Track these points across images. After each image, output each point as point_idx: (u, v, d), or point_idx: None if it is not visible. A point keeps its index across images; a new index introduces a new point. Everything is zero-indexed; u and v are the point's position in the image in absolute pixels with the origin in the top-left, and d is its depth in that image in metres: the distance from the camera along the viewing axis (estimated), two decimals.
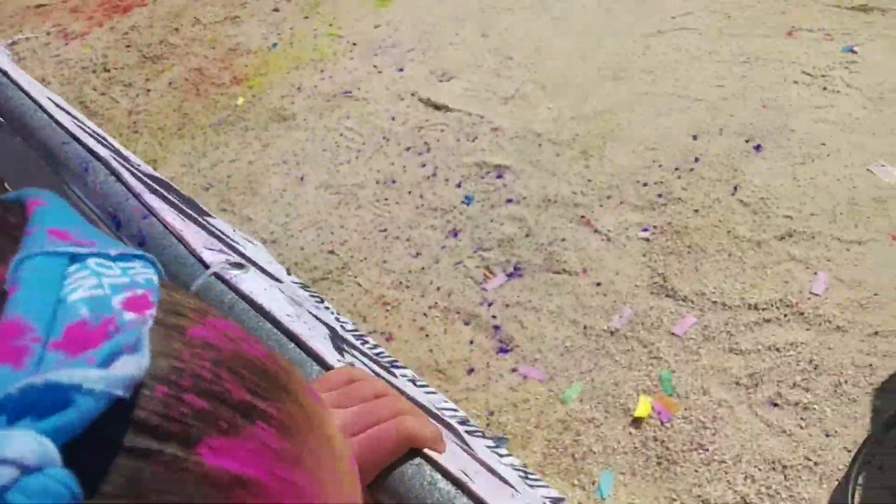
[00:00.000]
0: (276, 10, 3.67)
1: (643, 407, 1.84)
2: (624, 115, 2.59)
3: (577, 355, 1.98)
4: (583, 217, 2.31)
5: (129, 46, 3.68)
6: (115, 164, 0.83)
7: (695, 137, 2.44)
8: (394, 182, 2.60)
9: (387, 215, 2.50)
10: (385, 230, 2.45)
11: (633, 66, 2.78)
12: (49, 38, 3.88)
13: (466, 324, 2.13)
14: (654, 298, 2.05)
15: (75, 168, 0.83)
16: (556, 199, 2.38)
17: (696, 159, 2.36)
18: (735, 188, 2.25)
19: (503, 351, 2.04)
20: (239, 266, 0.68)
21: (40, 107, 0.94)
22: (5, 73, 1.01)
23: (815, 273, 1.98)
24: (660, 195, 2.29)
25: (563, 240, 2.26)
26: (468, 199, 2.46)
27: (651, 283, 2.09)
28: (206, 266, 0.66)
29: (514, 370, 1.99)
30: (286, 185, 2.71)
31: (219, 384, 0.28)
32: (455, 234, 2.37)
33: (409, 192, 2.55)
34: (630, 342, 1.97)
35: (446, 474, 0.51)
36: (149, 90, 3.36)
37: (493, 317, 2.12)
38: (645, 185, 2.34)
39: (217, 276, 0.66)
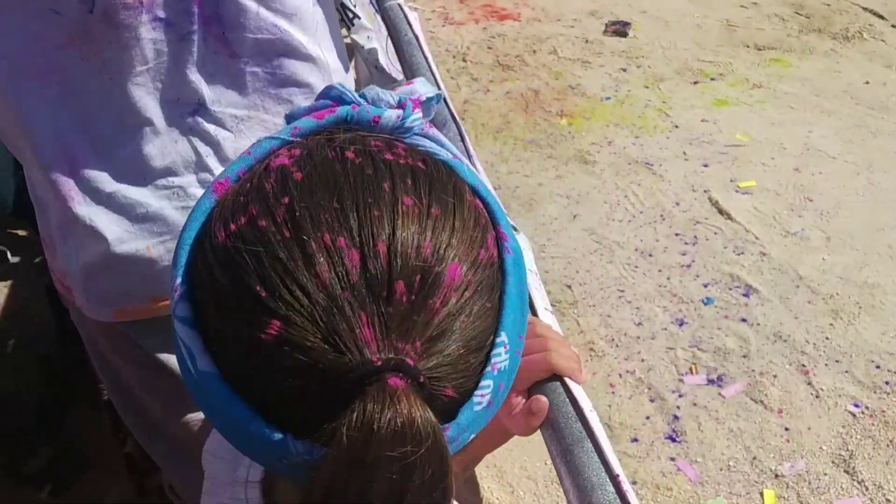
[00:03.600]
0: (623, 70, 3.97)
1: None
2: (892, 297, 2.59)
3: (735, 477, 2.07)
4: (804, 366, 2.37)
5: (490, 48, 4.15)
6: (462, 128, 1.13)
7: None
8: (651, 255, 2.79)
9: (630, 280, 2.69)
10: (622, 291, 2.65)
11: None
12: (432, 15, 4.46)
13: (652, 401, 2.28)
14: (832, 467, 2.09)
15: (437, 120, 1.14)
16: (787, 339, 2.46)
17: None
18: None
19: (672, 439, 2.17)
20: (515, 229, 0.93)
21: (430, 67, 1.27)
22: (417, 38, 1.35)
23: None
24: (887, 383, 2.30)
25: (775, 376, 2.34)
26: (708, 301, 2.60)
27: (837, 453, 2.12)
28: None
29: (672, 459, 2.12)
30: (559, 215, 2.98)
31: None
32: (681, 323, 2.52)
33: (660, 271, 2.72)
34: (790, 493, 2.03)
35: (572, 399, 0.72)
36: (488, 90, 3.79)
37: (678, 407, 2.25)
38: (878, 367, 2.35)
39: None
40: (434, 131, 0.55)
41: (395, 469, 0.40)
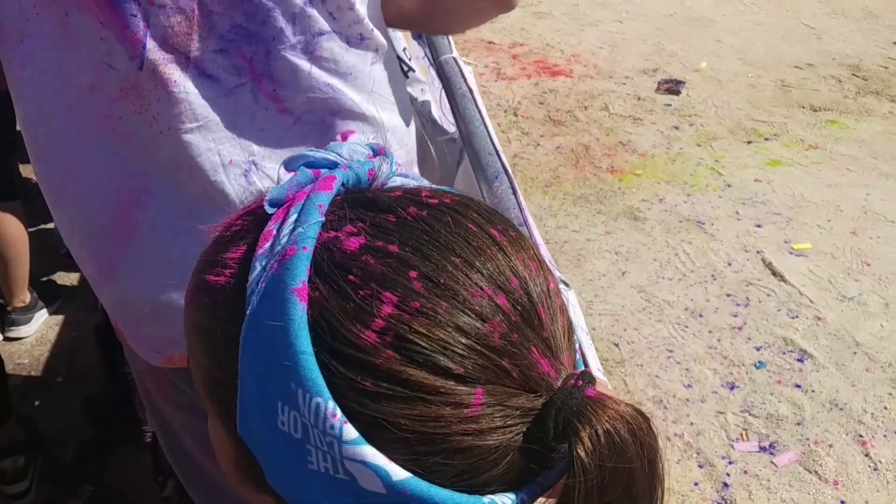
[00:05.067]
0: (675, 127, 3.95)
1: None
2: None
3: None
4: (861, 437, 2.28)
5: (541, 103, 4.17)
6: (514, 181, 1.12)
7: None
8: (701, 316, 2.73)
9: (680, 340, 2.63)
10: (671, 351, 2.59)
11: None
12: (485, 70, 4.50)
13: (700, 466, 2.20)
14: None
15: (489, 174, 1.13)
16: (844, 408, 2.37)
17: None
18: None
19: None
20: (566, 284, 0.91)
21: (483, 121, 1.27)
22: (471, 91, 1.35)
23: None
24: None
25: (831, 446, 2.25)
26: (760, 365, 2.53)
27: None
28: None
29: None
30: (608, 271, 2.95)
31: None
32: (732, 387, 2.45)
33: (710, 332, 2.66)
34: None
35: None
36: (539, 144, 3.79)
37: (728, 475, 2.18)
38: None
39: None
40: (402, 168, 0.55)
41: (645, 458, 0.44)
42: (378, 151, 0.52)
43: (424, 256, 0.44)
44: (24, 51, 0.92)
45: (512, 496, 0.45)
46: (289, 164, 0.50)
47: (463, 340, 0.42)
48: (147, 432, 1.68)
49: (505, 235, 0.48)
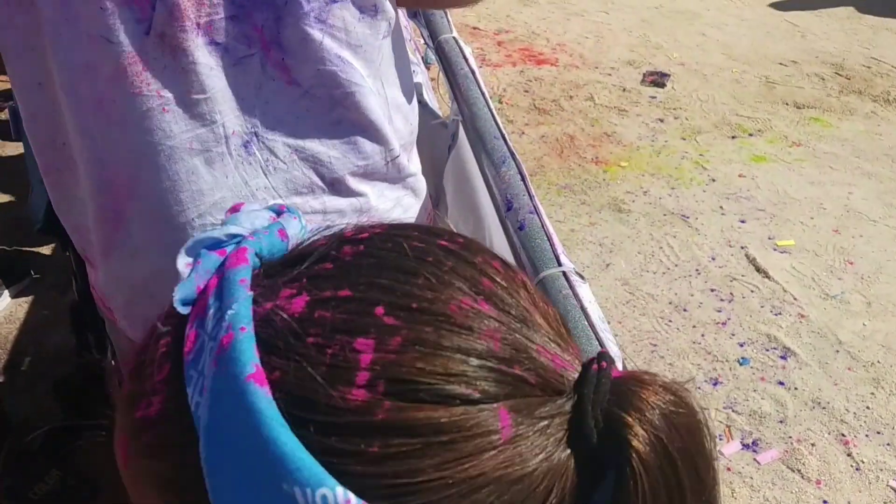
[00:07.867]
0: (660, 120, 3.92)
1: None
2: None
3: None
4: (843, 436, 2.27)
5: (526, 91, 4.12)
6: (522, 166, 1.07)
7: None
8: (685, 310, 2.71)
9: (663, 334, 2.61)
10: (655, 345, 2.56)
11: None
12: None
13: None
14: None
15: (496, 158, 1.08)
16: (827, 406, 2.36)
17: None
18: None
19: None
20: (581, 277, 0.87)
21: (486, 102, 1.22)
22: (473, 72, 1.30)
23: None
24: None
25: (813, 444, 2.24)
26: (744, 361, 2.51)
27: None
28: (560, 264, 0.86)
29: None
30: (592, 263, 2.91)
31: None
32: (715, 383, 2.43)
33: (694, 327, 2.64)
34: None
35: None
36: (523, 132, 3.75)
37: None
38: None
39: (565, 275, 0.85)
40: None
41: (705, 422, 0.41)
42: (279, 211, 0.47)
43: (383, 289, 0.39)
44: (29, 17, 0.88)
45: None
46: (188, 252, 0.43)
47: (463, 359, 0.37)
48: None
49: (454, 243, 0.42)
